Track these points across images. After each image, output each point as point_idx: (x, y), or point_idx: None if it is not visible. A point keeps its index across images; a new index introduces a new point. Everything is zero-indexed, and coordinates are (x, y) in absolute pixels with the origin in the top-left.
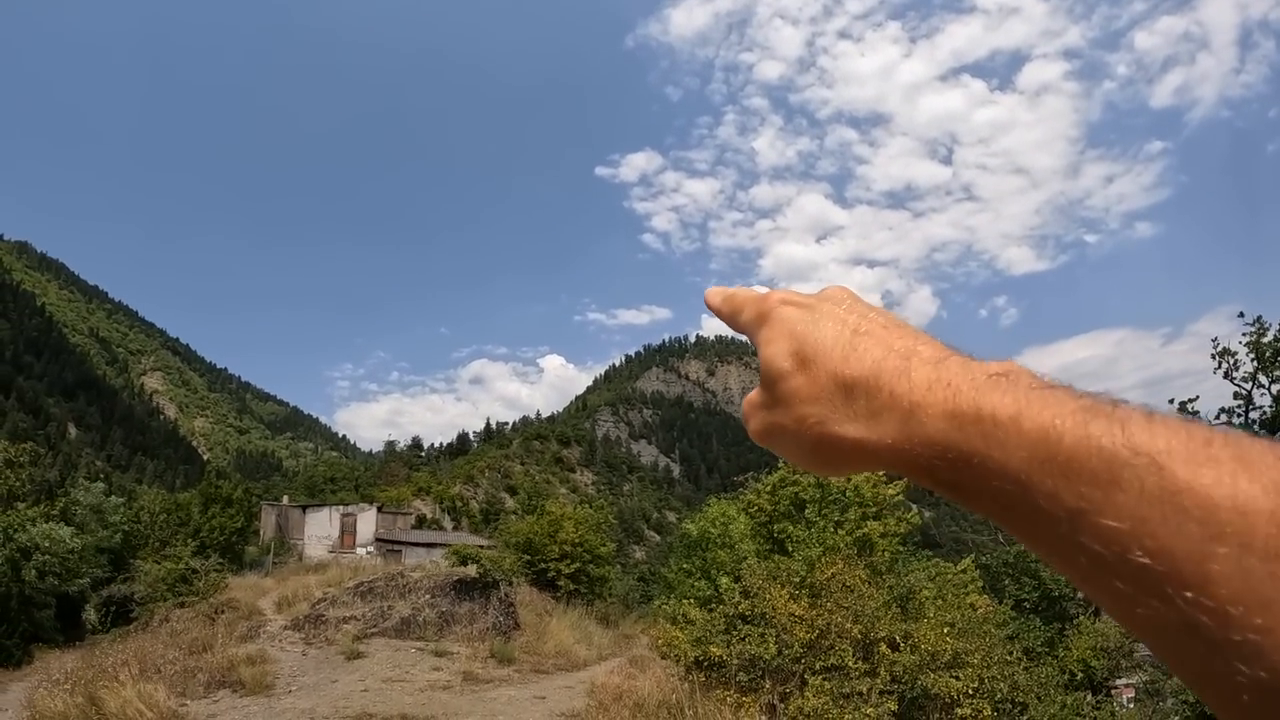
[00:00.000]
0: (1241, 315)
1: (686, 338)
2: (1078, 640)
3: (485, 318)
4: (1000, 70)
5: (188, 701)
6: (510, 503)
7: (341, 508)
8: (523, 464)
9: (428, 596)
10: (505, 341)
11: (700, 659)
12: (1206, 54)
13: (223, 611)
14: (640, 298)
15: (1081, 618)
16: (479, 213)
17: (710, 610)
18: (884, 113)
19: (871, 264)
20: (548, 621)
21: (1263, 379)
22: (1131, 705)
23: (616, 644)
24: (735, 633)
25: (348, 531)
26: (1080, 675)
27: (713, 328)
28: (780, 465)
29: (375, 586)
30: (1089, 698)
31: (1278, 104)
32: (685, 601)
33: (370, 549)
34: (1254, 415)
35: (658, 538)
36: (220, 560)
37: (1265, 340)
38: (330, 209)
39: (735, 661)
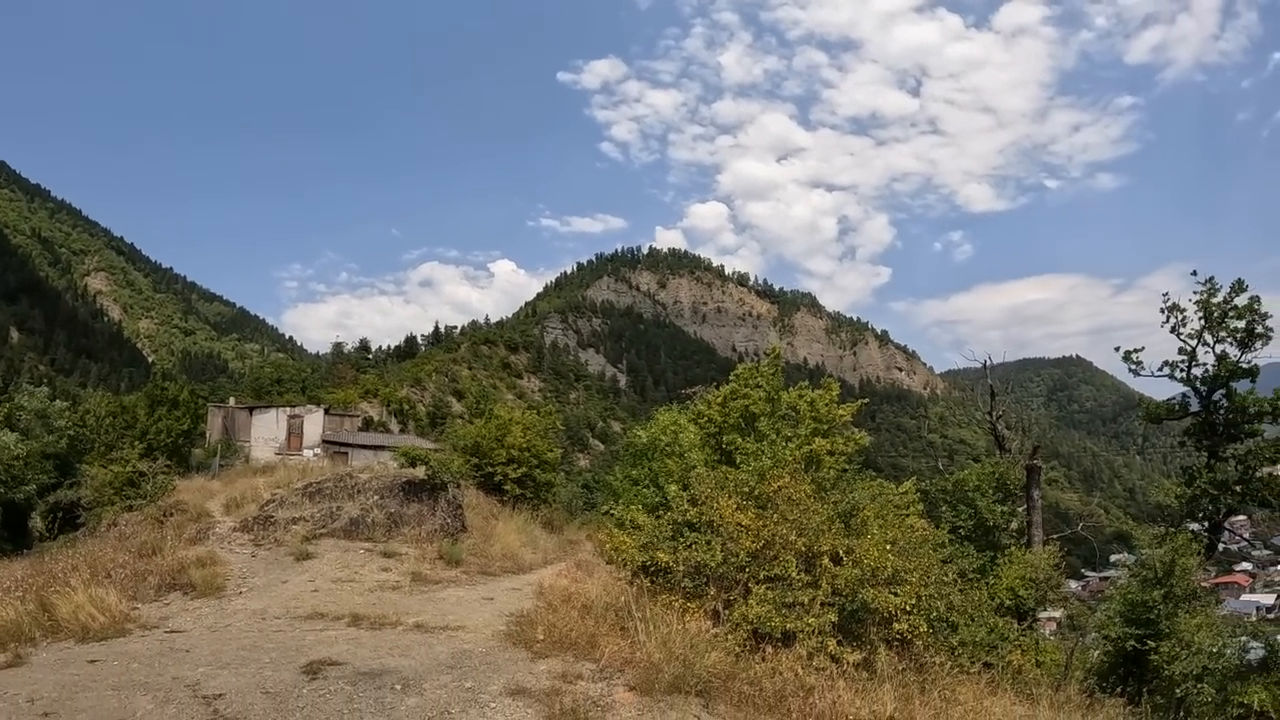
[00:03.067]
0: (1195, 274)
1: (639, 248)
2: (1008, 569)
3: (437, 220)
4: (979, 7)
5: (139, 605)
6: (457, 407)
7: (289, 410)
8: (470, 369)
9: (376, 498)
10: (457, 244)
11: (647, 564)
12: (1188, 16)
13: (171, 514)
14: (595, 206)
15: (1013, 548)
16: (435, 111)
17: (658, 517)
18: (856, 38)
19: (830, 188)
20: (494, 525)
21: (1208, 337)
22: (1053, 637)
23: (561, 549)
24: (682, 540)
25: (294, 433)
26: (1009, 603)
27: (666, 240)
28: (732, 379)
29: (324, 488)
30: (1015, 624)
31: (1252, 74)
32: (633, 507)
33: (317, 451)
34: (1196, 371)
35: (602, 446)
36: (168, 463)
37: (1215, 301)
38: (280, 103)
39: (681, 568)
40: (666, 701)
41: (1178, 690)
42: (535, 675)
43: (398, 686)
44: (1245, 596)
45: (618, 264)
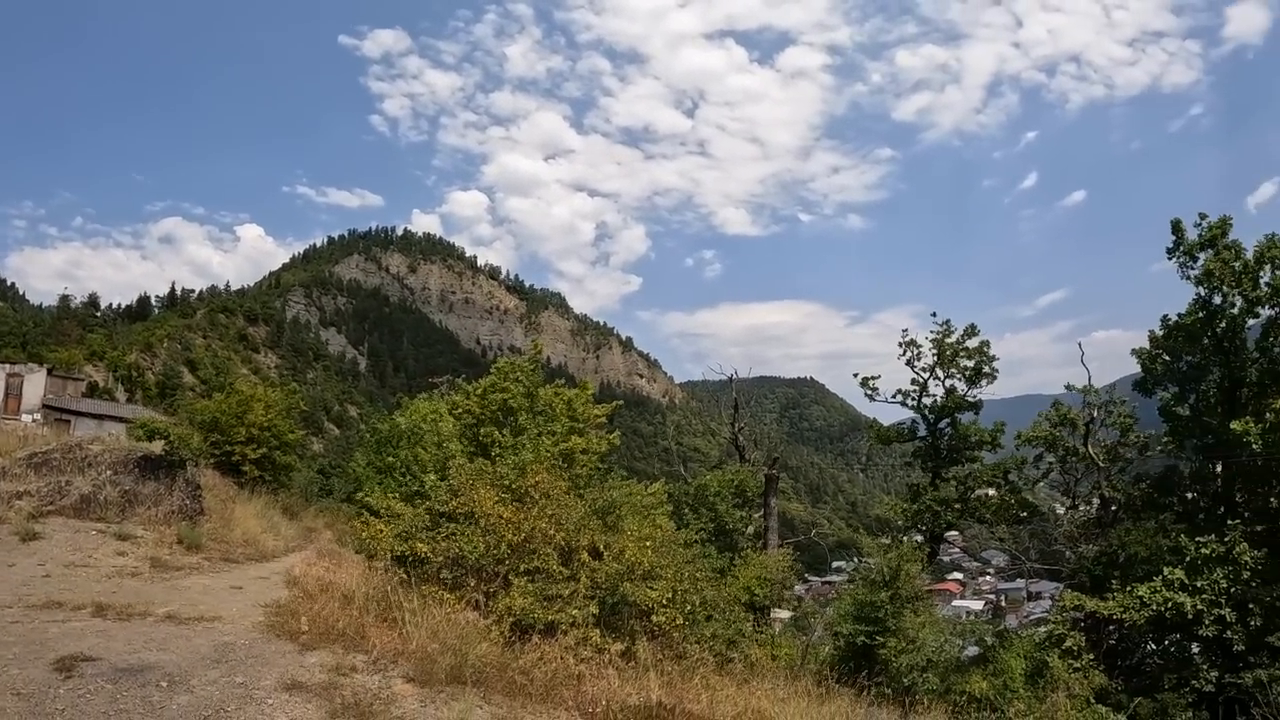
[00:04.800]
0: (934, 315)
1: (394, 229)
2: (744, 570)
3: (187, 171)
4: (765, 45)
5: None
6: (190, 378)
7: (7, 368)
8: (206, 337)
9: (109, 473)
10: (204, 201)
11: (405, 555)
12: (956, 88)
13: None
14: (355, 180)
15: (749, 551)
16: (199, 47)
17: (414, 506)
18: (643, 53)
19: (593, 193)
20: (233, 508)
21: (940, 372)
22: (788, 634)
23: (302, 536)
24: (441, 530)
25: (13, 395)
26: (745, 599)
27: (422, 224)
28: (491, 370)
29: (51, 459)
30: (751, 618)
31: (1004, 148)
32: (390, 496)
33: (37, 416)
34: (926, 401)
35: (337, 431)
36: None
37: (949, 341)
38: (16, 20)
39: (440, 559)
40: (447, 692)
41: (905, 680)
42: (307, 668)
43: (163, 684)
44: (956, 602)
45: (370, 243)
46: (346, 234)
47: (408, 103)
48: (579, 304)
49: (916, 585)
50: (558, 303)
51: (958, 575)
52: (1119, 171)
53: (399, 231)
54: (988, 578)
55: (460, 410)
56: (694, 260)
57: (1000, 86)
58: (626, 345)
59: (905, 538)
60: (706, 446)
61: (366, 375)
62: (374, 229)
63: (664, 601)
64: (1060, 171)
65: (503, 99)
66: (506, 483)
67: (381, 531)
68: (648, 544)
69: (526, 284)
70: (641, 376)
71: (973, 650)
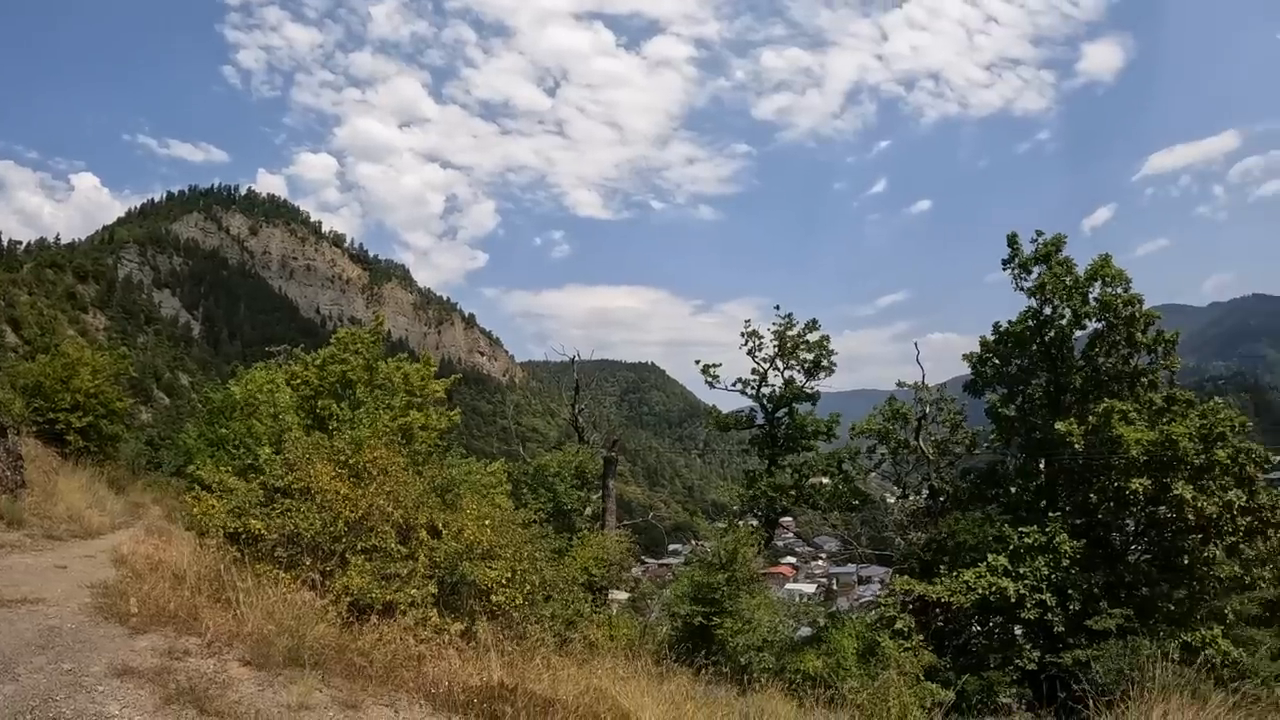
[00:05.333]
0: (777, 309)
1: (237, 188)
2: (582, 550)
3: (20, 111)
4: (634, 31)
5: None
6: (12, 337)
7: None
8: (31, 294)
9: None
10: (38, 144)
11: (238, 532)
12: (817, 92)
13: None
14: (201, 133)
15: (587, 532)
16: None
17: (248, 481)
18: (510, 26)
19: (446, 165)
20: (55, 481)
21: (780, 363)
22: (625, 614)
23: (130, 512)
24: (276, 506)
25: None
26: (584, 580)
27: (268, 184)
28: (333, 342)
29: None
30: (590, 599)
31: (858, 154)
32: (222, 469)
33: None
34: (765, 390)
35: (168, 400)
36: None
37: (790, 334)
38: None
39: (275, 536)
40: (285, 675)
41: (741, 659)
42: (139, 653)
43: None
44: (790, 585)
45: (212, 201)
46: (187, 190)
47: (264, 55)
48: (423, 277)
49: (752, 568)
50: (402, 275)
51: (792, 559)
52: (965, 185)
53: (243, 191)
54: (821, 562)
55: (298, 381)
56: (543, 240)
57: (860, 95)
58: (469, 322)
59: (741, 522)
60: (546, 427)
61: (200, 342)
62: (217, 186)
63: (503, 581)
64: (909, 180)
65: (362, 60)
66: (343, 458)
67: (214, 507)
68: (486, 523)
69: (371, 254)
70: (483, 354)
71: (806, 631)
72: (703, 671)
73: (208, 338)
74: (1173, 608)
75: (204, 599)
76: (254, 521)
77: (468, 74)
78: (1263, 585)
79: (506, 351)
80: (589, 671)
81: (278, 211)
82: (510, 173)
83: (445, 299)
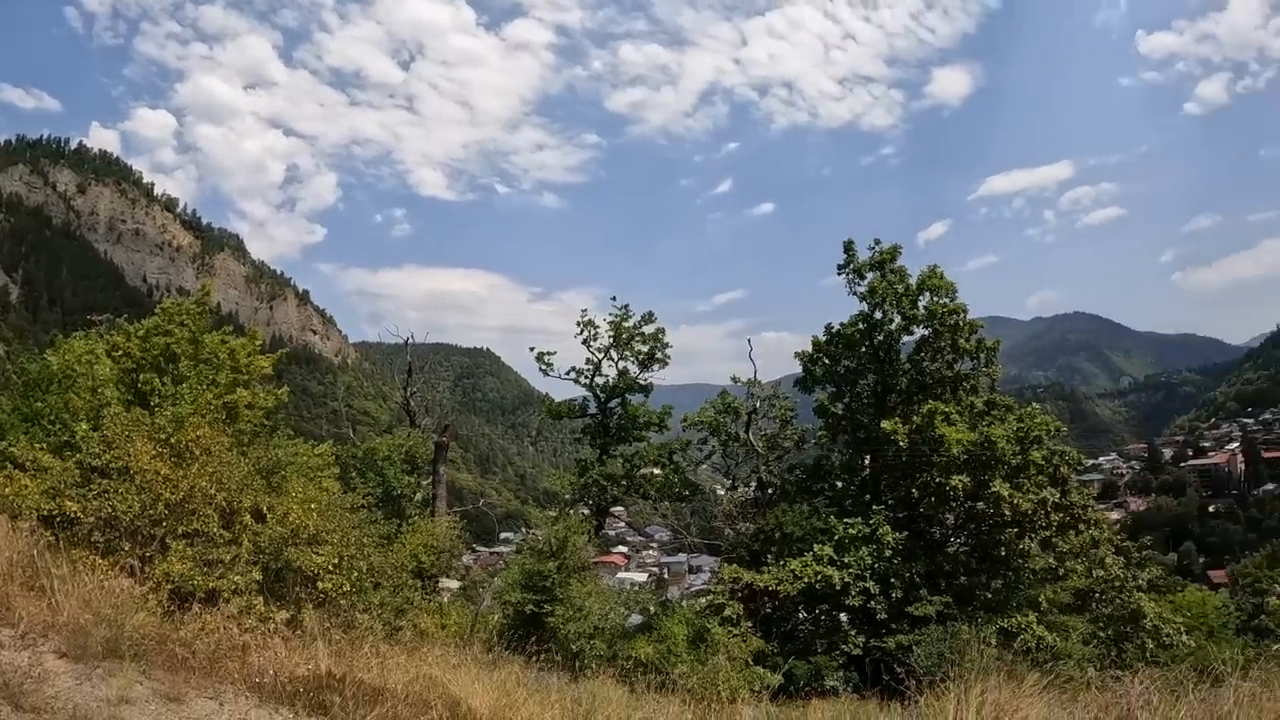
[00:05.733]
0: (614, 299)
1: (67, 141)
2: (412, 537)
3: None
4: (496, 11)
5: None
6: None
7: None
8: None
9: None
10: None
11: (52, 514)
12: (671, 89)
13: None
14: (33, 78)
15: (417, 518)
16: None
17: (64, 459)
18: None
19: (289, 132)
20: None
21: (615, 354)
22: (455, 603)
23: None
24: (94, 487)
25: None
26: (413, 567)
27: (100, 139)
28: (158, 312)
29: None
30: (420, 586)
31: (706, 153)
32: (36, 446)
33: None
34: (599, 380)
35: None
36: None
37: (626, 325)
38: None
39: (91, 519)
40: (104, 668)
41: (573, 646)
42: None
43: None
44: (622, 574)
45: (39, 153)
46: (14, 139)
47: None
48: (257, 249)
49: (583, 556)
50: (235, 245)
51: (623, 548)
52: (807, 192)
53: (73, 145)
54: (652, 551)
55: (120, 353)
56: (384, 217)
57: (713, 96)
58: (303, 298)
59: (573, 510)
60: (377, 411)
61: (18, 308)
62: (45, 138)
63: (330, 567)
64: (754, 183)
65: (213, 14)
66: (164, 436)
67: (27, 487)
68: (313, 506)
69: (205, 221)
70: (315, 333)
71: (637, 619)
72: (535, 659)
73: (26, 303)
74: (990, 596)
75: (16, 587)
76: (70, 503)
77: (321, 38)
78: (1074, 576)
79: (340, 331)
80: (419, 660)
81: (109, 170)
82: (356, 145)
83: (279, 273)
